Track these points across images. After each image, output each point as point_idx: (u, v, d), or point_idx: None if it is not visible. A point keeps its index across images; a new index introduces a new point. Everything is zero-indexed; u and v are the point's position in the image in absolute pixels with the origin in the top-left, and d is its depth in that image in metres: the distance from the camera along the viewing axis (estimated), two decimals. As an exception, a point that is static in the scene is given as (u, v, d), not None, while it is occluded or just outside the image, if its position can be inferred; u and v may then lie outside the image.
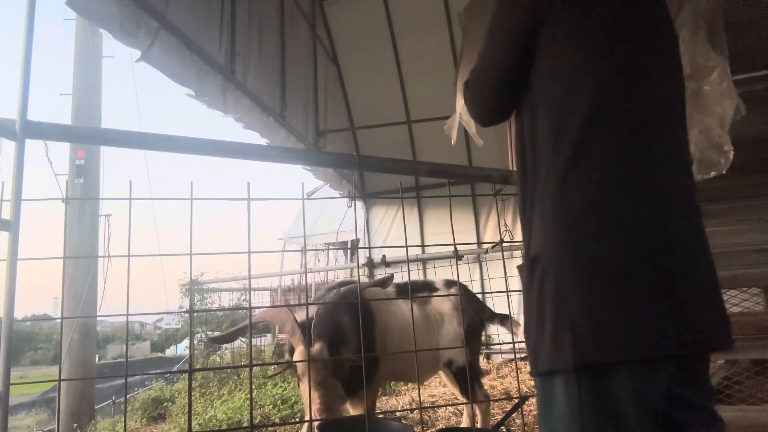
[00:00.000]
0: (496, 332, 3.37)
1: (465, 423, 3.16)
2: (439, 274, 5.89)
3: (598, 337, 0.83)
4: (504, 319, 3.13)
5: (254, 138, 4.21)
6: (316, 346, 2.20)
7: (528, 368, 0.98)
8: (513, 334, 2.78)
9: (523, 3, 1.03)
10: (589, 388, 0.84)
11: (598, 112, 0.90)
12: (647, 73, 0.96)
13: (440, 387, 4.72)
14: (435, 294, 3.02)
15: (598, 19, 0.96)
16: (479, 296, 3.72)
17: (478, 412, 2.97)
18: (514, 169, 2.08)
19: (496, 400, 3.66)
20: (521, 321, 3.46)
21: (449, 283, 3.10)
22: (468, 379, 2.71)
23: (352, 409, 2.73)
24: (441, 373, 3.17)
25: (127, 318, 1.30)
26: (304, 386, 2.26)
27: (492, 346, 5.81)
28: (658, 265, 0.85)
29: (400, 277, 5.96)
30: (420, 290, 3.10)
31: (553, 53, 0.98)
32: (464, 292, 3.12)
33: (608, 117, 0.91)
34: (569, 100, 0.93)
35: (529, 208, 0.99)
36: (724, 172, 2.00)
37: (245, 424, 2.49)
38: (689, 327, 0.84)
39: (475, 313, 3.07)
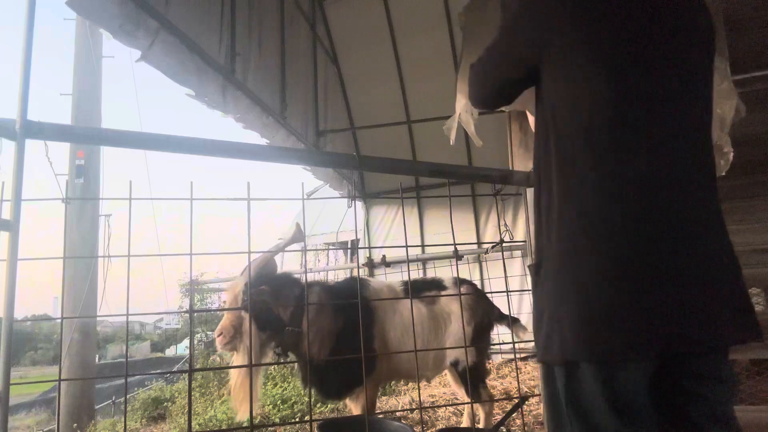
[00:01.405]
0: (497, 332, 3.32)
1: (465, 423, 3.15)
2: (439, 274, 5.87)
3: (569, 339, 0.92)
4: (513, 322, 2.96)
5: (254, 138, 4.22)
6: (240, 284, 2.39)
7: (528, 369, 1.03)
8: (518, 336, 2.74)
9: (529, 23, 1.07)
10: (569, 380, 0.95)
11: (592, 130, 0.97)
12: (650, 90, 0.96)
13: (440, 387, 4.72)
14: (443, 294, 2.94)
15: (599, 41, 0.97)
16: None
17: (481, 412, 2.95)
18: (514, 168, 2.09)
19: (497, 400, 3.65)
20: (521, 320, 3.43)
21: (459, 282, 3.00)
22: (473, 379, 2.68)
23: (354, 409, 2.73)
24: (444, 372, 3.14)
25: (127, 318, 1.31)
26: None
27: (492, 346, 5.80)
28: (624, 274, 0.90)
29: (400, 277, 5.99)
30: (429, 288, 3.03)
31: (556, 75, 1.03)
32: (474, 292, 3.07)
33: (601, 134, 0.96)
34: (571, 120, 1.00)
35: (545, 214, 1.05)
36: (723, 174, 2.00)
37: (245, 424, 2.49)
38: (655, 329, 0.87)
39: (484, 314, 2.99)
